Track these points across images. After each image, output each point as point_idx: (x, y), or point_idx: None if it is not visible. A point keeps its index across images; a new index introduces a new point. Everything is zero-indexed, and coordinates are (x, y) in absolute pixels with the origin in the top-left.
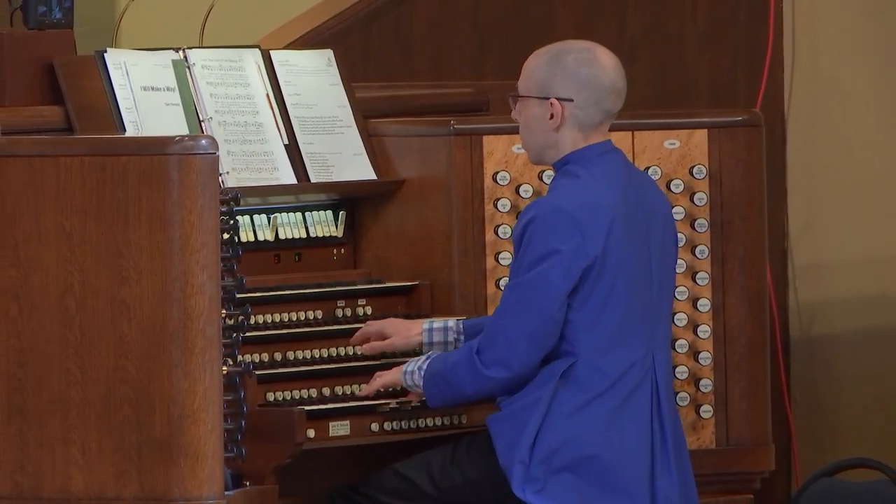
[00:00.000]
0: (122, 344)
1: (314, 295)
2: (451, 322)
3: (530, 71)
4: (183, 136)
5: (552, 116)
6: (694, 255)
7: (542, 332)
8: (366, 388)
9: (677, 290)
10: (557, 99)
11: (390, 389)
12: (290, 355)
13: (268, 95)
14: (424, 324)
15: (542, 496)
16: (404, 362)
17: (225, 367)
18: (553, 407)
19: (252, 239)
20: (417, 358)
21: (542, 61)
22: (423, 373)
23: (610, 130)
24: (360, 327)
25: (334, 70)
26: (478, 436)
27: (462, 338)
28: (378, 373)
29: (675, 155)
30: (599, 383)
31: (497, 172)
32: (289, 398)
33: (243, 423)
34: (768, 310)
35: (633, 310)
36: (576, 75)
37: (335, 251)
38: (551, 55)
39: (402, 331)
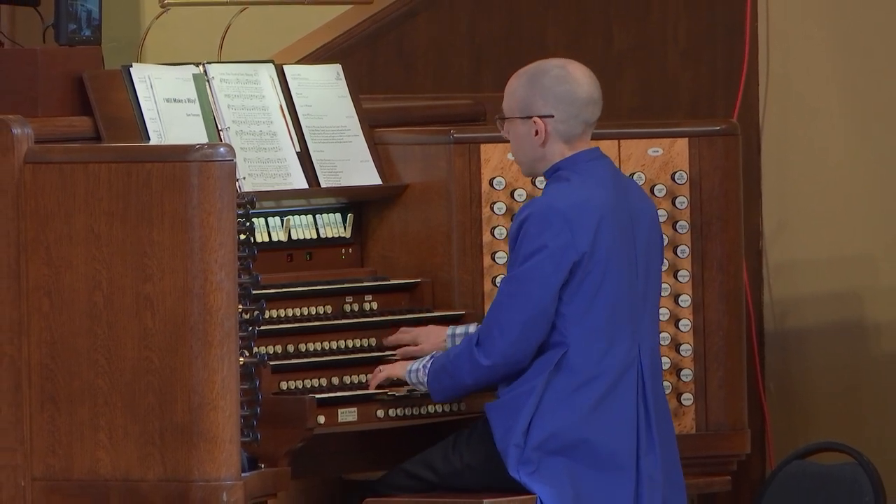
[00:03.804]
0: (146, 337)
1: (324, 291)
2: (472, 327)
3: (512, 93)
4: (203, 145)
5: (537, 133)
6: (675, 254)
7: (532, 322)
8: (371, 383)
9: None
10: (539, 117)
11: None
12: (302, 347)
13: (281, 106)
14: (448, 330)
15: (535, 477)
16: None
17: (242, 358)
18: (546, 395)
19: (266, 239)
20: (422, 357)
21: (522, 83)
22: (427, 370)
23: (598, 139)
24: (366, 321)
25: (342, 83)
26: (477, 425)
27: None
28: (381, 367)
29: (658, 162)
30: (589, 372)
31: (493, 178)
32: (301, 387)
33: (258, 409)
34: (744, 305)
35: (620, 303)
36: (553, 93)
37: (343, 251)
38: (529, 76)
39: (432, 338)
